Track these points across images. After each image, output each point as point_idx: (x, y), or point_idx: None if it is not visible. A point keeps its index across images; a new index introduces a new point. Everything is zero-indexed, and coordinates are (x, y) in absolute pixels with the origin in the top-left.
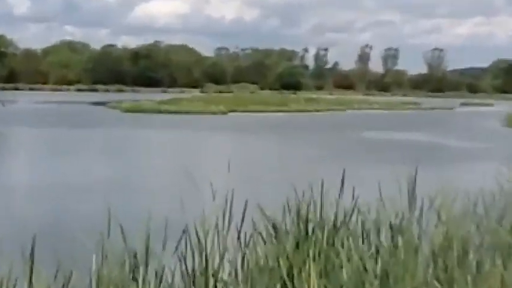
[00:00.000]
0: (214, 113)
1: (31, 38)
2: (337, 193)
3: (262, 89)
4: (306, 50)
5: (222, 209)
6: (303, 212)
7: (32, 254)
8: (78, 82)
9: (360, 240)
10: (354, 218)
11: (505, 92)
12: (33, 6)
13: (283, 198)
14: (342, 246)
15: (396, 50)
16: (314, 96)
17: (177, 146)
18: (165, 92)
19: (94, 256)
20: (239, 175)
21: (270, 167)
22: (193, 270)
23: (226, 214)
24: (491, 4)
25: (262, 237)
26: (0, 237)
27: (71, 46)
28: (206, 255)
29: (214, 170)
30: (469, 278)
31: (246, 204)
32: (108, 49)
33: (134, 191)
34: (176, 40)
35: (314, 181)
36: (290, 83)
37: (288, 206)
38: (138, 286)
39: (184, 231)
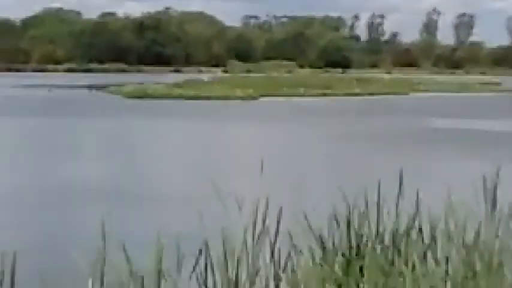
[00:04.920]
0: (241, 98)
1: (7, 5)
2: (397, 199)
3: (301, 67)
4: (356, 18)
5: (252, 221)
6: (355, 223)
7: (12, 277)
8: (68, 61)
9: (428, 259)
10: (417, 230)
11: None
12: None
13: (328, 206)
14: (406, 265)
15: (471, 16)
16: (367, 76)
17: (194, 141)
18: (178, 72)
19: (90, 281)
20: (273, 179)
21: (312, 167)
22: None
23: (257, 227)
24: None
25: (304, 256)
26: None
27: (59, 15)
28: (235, 278)
29: (241, 172)
30: None
31: (280, 213)
32: (107, 19)
33: (141, 200)
34: (192, 6)
35: (368, 185)
36: (336, 59)
37: (336, 217)
38: None
39: (201, 250)
